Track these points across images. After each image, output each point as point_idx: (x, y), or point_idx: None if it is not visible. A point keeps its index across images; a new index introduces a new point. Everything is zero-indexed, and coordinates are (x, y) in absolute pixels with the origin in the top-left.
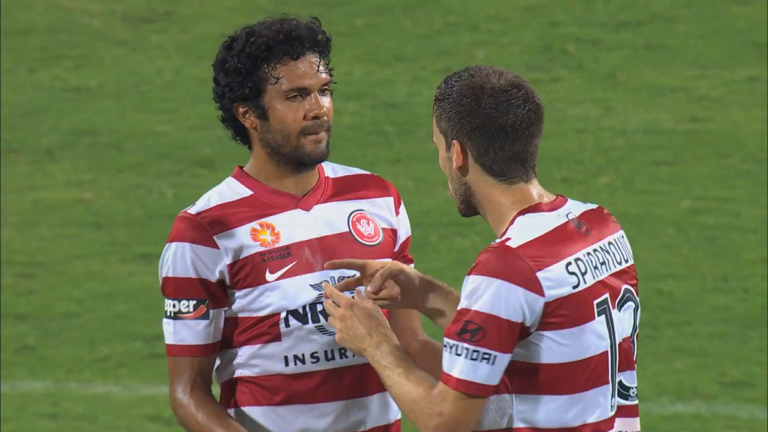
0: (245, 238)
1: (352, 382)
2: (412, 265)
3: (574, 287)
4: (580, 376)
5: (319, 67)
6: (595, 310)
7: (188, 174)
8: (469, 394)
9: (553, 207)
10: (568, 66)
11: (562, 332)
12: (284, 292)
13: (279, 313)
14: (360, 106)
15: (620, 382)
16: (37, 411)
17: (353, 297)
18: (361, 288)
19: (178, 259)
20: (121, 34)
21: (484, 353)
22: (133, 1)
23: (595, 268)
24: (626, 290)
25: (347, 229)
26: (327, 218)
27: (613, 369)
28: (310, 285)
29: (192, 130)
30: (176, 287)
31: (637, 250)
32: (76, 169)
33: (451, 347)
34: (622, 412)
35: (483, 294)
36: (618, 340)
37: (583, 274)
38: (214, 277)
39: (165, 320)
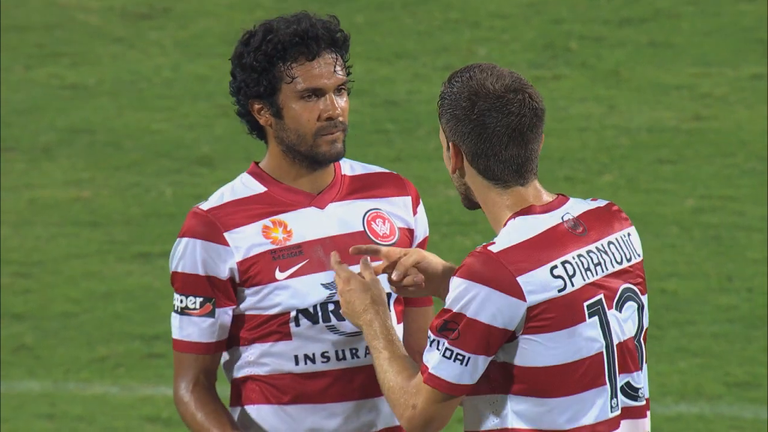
0: (256, 236)
1: (363, 382)
2: None
3: (560, 290)
4: (571, 378)
5: (335, 67)
6: (586, 312)
7: (187, 172)
8: (439, 391)
9: (548, 208)
10: (570, 63)
11: (549, 335)
12: (294, 291)
13: (289, 312)
14: (360, 104)
15: (627, 383)
16: (35, 411)
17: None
18: (372, 263)
19: (187, 255)
20: (119, 31)
21: (458, 353)
22: None
23: (587, 269)
24: (626, 290)
25: (362, 228)
26: (341, 217)
27: (611, 370)
28: (322, 284)
29: (191, 128)
30: (184, 283)
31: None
32: (73, 167)
33: (431, 341)
34: (629, 413)
35: (463, 297)
36: (617, 340)
37: (570, 277)
38: (223, 274)
39: (173, 314)
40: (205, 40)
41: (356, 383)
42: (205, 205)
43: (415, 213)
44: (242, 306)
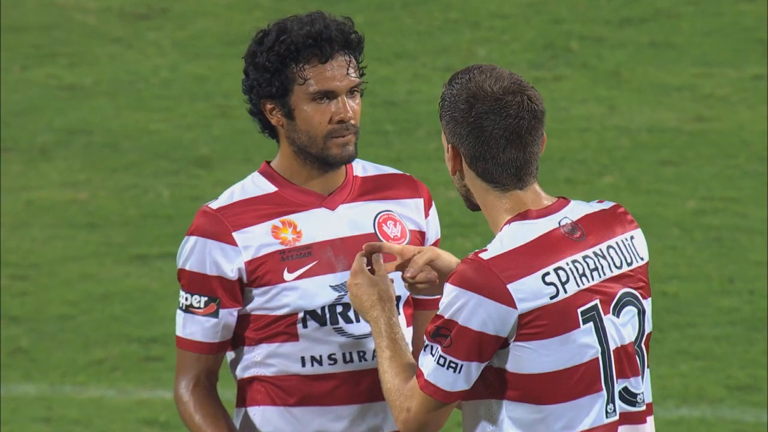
0: (265, 236)
1: (370, 385)
2: None
3: (552, 297)
4: (565, 384)
5: (348, 69)
6: (580, 319)
7: (185, 174)
8: (433, 399)
9: (545, 213)
10: (571, 64)
11: (542, 342)
12: (303, 292)
13: (296, 314)
14: None
15: (625, 389)
16: (31, 415)
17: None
18: (381, 259)
19: (195, 253)
20: (117, 31)
21: (451, 361)
22: None
23: (582, 275)
24: (625, 294)
25: (372, 230)
26: (352, 218)
27: (608, 375)
28: (330, 286)
29: (189, 129)
30: (190, 281)
31: None
32: (70, 168)
33: (426, 346)
34: (628, 419)
35: (454, 304)
36: (614, 346)
37: (563, 284)
38: (230, 274)
39: (177, 311)
40: (203, 41)
41: (363, 386)
42: (214, 204)
43: (427, 215)
44: (249, 306)
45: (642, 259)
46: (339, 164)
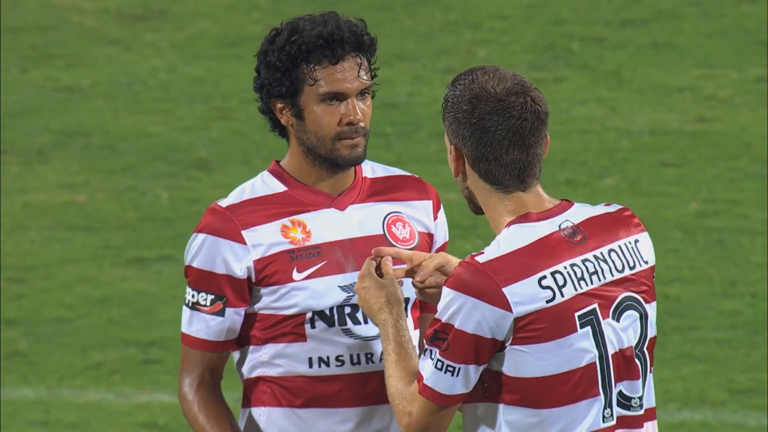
0: (274, 235)
1: (377, 387)
2: None
3: (549, 301)
4: (562, 388)
5: (359, 71)
6: (578, 323)
7: (183, 176)
8: (433, 403)
9: (545, 216)
10: (572, 65)
11: (539, 346)
12: (311, 292)
13: (305, 313)
14: None
15: (620, 392)
16: (29, 419)
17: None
18: (395, 267)
19: (203, 250)
20: (115, 32)
21: (449, 365)
22: None
23: (581, 279)
24: (626, 298)
25: (381, 232)
26: (361, 219)
27: (606, 380)
28: (339, 286)
29: (187, 131)
30: (197, 278)
31: None
32: (68, 170)
33: (425, 350)
34: (624, 423)
35: (450, 307)
36: (612, 350)
37: (560, 287)
38: (239, 272)
39: (184, 307)
40: (202, 42)
41: (370, 388)
42: (224, 202)
43: (435, 217)
44: (257, 305)
45: (646, 263)
46: (347, 166)
